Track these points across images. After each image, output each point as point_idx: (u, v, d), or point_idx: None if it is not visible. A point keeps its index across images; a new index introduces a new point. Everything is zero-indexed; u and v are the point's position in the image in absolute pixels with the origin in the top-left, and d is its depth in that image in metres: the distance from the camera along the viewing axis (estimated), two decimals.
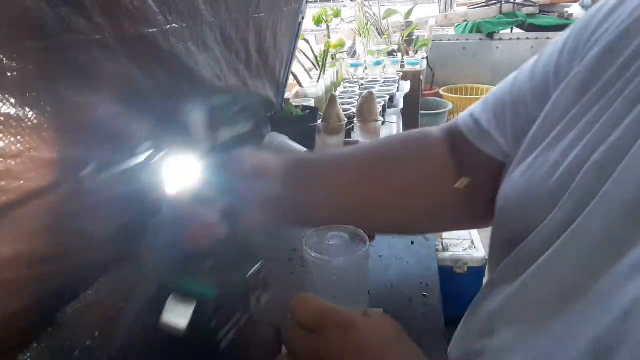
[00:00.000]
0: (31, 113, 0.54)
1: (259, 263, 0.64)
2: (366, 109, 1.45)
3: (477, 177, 0.58)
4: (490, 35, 3.65)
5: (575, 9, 3.59)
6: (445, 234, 2.47)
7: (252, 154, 0.58)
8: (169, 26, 0.75)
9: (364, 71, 2.39)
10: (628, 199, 0.33)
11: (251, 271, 0.62)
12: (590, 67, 0.42)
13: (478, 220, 0.63)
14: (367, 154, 0.65)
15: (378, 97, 1.60)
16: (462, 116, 0.61)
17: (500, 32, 3.65)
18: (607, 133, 0.37)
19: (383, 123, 1.59)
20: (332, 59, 2.52)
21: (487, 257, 1.83)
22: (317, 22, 2.61)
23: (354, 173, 0.62)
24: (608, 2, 0.45)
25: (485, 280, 0.56)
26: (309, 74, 2.46)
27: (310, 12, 2.36)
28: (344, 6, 3.09)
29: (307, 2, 1.50)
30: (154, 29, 0.71)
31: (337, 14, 2.68)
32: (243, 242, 0.64)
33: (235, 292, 0.61)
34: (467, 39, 3.73)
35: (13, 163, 0.56)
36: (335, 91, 1.91)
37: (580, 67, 0.43)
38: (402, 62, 2.61)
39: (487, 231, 0.59)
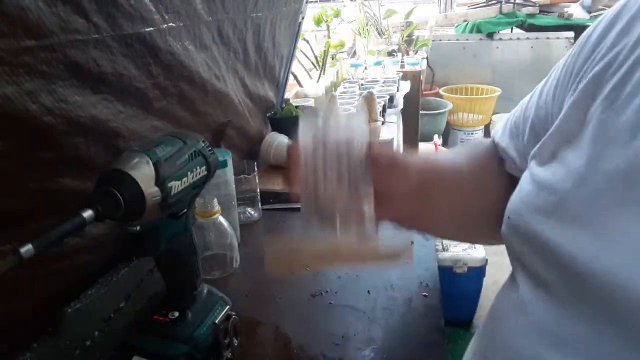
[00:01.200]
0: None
1: (227, 307, 0.64)
2: (366, 109, 1.44)
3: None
4: (490, 35, 3.64)
5: (575, 9, 3.59)
6: None
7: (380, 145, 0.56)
8: (165, 25, 0.75)
9: (364, 71, 2.39)
10: None
11: (219, 317, 0.62)
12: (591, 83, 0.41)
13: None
14: (470, 165, 0.62)
15: (378, 97, 1.60)
16: (494, 133, 0.63)
17: (500, 32, 3.64)
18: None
19: (383, 123, 1.59)
20: (332, 59, 2.52)
21: (487, 257, 1.83)
22: (317, 22, 2.62)
23: (469, 184, 0.61)
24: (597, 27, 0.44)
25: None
26: (309, 74, 2.46)
27: (310, 12, 2.36)
28: (344, 6, 3.09)
29: (307, 2, 1.50)
30: (151, 28, 0.71)
31: (337, 14, 2.69)
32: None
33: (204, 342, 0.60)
34: (467, 39, 3.72)
35: (13, 163, 0.56)
36: (335, 91, 1.91)
37: (580, 87, 0.43)
38: (402, 62, 2.61)
39: None
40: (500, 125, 0.61)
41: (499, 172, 0.60)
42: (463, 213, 0.61)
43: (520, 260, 0.46)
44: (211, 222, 0.81)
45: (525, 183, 0.47)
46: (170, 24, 0.76)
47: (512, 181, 0.54)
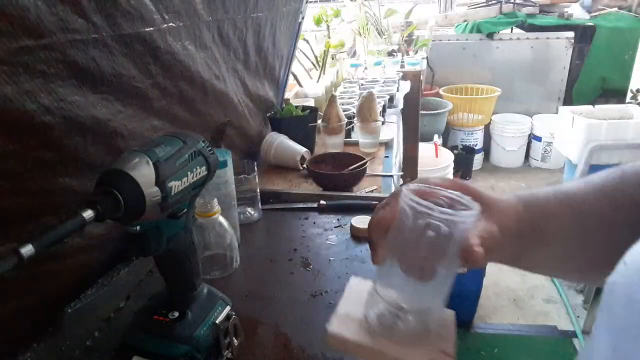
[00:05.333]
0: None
1: (227, 307, 0.64)
2: (366, 109, 1.44)
3: None
4: (490, 35, 3.64)
5: (575, 9, 3.59)
6: None
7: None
8: (165, 25, 0.75)
9: (364, 71, 2.39)
10: None
11: (219, 317, 0.62)
12: None
13: None
14: (600, 199, 0.54)
15: (378, 97, 1.60)
16: None
17: (500, 32, 3.64)
18: None
19: (383, 123, 1.59)
20: (332, 59, 2.52)
21: None
22: (317, 22, 2.61)
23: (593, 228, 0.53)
24: None
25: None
26: (309, 74, 2.46)
27: (310, 12, 2.36)
28: (344, 6, 3.08)
29: (307, 2, 1.50)
30: (151, 28, 0.71)
31: (337, 14, 2.69)
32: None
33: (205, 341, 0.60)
34: (467, 39, 3.72)
35: (13, 162, 0.56)
36: (335, 91, 1.91)
37: None
38: (402, 62, 2.61)
39: None
40: None
41: None
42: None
43: None
44: (211, 222, 0.81)
45: None
46: (170, 23, 0.76)
47: None
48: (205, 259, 0.82)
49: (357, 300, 0.52)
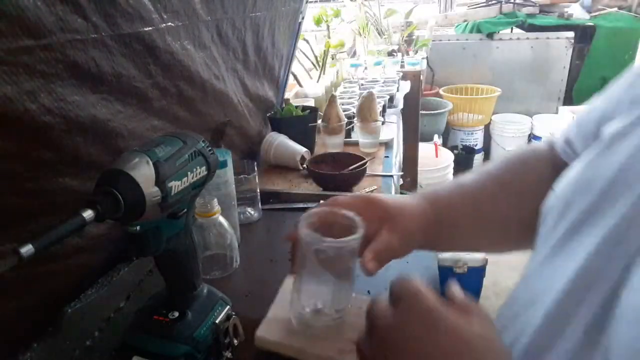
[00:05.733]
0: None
1: (227, 307, 0.64)
2: (366, 109, 1.44)
3: None
4: (490, 35, 3.64)
5: (575, 9, 3.58)
6: None
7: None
8: (164, 25, 0.75)
9: (364, 71, 2.39)
10: None
11: (219, 317, 0.62)
12: None
13: None
14: (495, 182, 0.65)
15: (378, 97, 1.60)
16: (559, 138, 0.64)
17: (500, 32, 3.64)
18: None
19: (383, 123, 1.59)
20: (332, 59, 2.52)
21: (487, 257, 1.83)
22: (317, 22, 2.62)
23: (489, 202, 0.64)
24: None
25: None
26: (309, 74, 2.46)
27: (310, 12, 2.36)
28: (344, 6, 3.08)
29: (307, 2, 1.50)
30: (150, 28, 0.71)
31: (337, 14, 2.69)
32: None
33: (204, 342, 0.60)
34: (467, 39, 3.72)
35: (13, 162, 0.56)
36: (335, 91, 1.91)
37: None
38: (402, 62, 2.61)
39: None
40: (562, 140, 0.62)
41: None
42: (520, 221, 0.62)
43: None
44: (211, 222, 0.81)
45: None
46: (169, 23, 0.76)
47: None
48: (205, 259, 0.82)
49: (287, 303, 0.62)
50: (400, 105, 1.97)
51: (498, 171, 0.66)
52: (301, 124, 1.40)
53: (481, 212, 0.62)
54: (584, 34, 3.51)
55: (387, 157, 1.43)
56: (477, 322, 0.41)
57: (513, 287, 0.54)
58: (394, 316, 0.42)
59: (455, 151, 3.34)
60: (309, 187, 1.22)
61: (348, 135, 1.53)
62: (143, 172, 0.48)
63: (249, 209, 1.04)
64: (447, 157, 3.03)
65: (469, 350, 0.39)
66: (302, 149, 1.32)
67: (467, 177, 0.66)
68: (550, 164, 0.62)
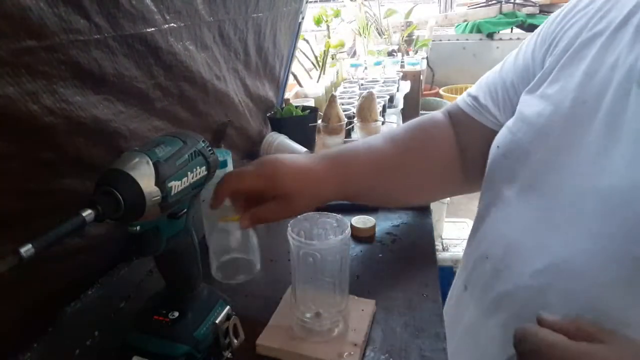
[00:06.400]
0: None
1: (227, 307, 0.64)
2: (366, 109, 1.45)
3: (475, 147, 0.73)
4: (490, 35, 3.64)
5: None
6: (445, 235, 2.47)
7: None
8: (166, 25, 0.75)
9: (364, 71, 2.39)
10: None
11: (219, 317, 0.62)
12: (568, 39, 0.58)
13: (471, 185, 0.80)
14: (392, 144, 0.79)
15: (378, 97, 1.60)
16: (461, 97, 0.78)
17: (500, 32, 3.64)
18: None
19: (383, 123, 1.59)
20: (332, 59, 2.52)
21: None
22: (317, 22, 2.62)
23: (386, 158, 0.78)
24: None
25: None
26: (309, 74, 2.47)
27: (310, 12, 2.37)
28: (344, 6, 3.09)
29: (307, 2, 1.50)
30: (152, 29, 0.71)
31: (337, 14, 2.69)
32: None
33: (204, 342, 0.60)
34: (467, 39, 3.72)
35: (14, 163, 0.56)
36: (335, 91, 1.91)
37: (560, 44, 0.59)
38: (402, 62, 2.61)
39: None
40: (466, 95, 0.77)
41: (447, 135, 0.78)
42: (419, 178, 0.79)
43: (508, 177, 0.62)
44: (236, 226, 0.79)
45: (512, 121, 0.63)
46: (172, 24, 0.76)
47: (488, 134, 0.70)
48: (226, 263, 0.82)
49: (288, 311, 0.65)
50: (400, 105, 1.97)
51: (399, 135, 0.80)
52: (301, 124, 1.40)
53: (380, 167, 0.76)
54: None
55: None
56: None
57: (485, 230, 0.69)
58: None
59: None
60: None
61: (348, 135, 1.53)
62: (143, 172, 0.48)
63: None
64: None
65: None
66: (302, 149, 1.32)
67: (375, 139, 0.80)
68: (447, 124, 0.78)
